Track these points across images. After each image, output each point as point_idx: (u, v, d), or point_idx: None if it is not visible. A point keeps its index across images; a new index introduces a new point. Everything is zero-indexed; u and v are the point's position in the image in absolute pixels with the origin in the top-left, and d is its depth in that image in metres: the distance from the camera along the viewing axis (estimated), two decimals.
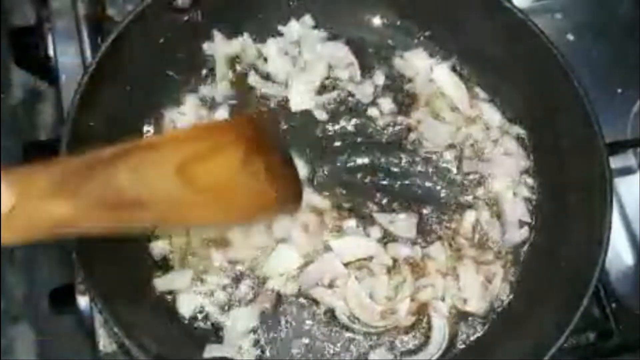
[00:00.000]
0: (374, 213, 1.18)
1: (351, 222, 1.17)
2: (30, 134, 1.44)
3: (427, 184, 1.22)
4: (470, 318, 1.15)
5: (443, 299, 1.14)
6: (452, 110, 1.26)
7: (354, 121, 1.24)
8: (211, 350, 1.09)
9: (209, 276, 1.13)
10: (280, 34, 1.27)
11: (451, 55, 1.28)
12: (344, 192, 1.19)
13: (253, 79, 1.24)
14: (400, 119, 1.25)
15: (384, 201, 1.20)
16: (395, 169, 1.22)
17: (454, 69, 1.28)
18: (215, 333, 1.11)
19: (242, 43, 1.25)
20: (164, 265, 1.14)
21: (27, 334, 1.34)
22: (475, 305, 1.14)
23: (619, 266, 1.29)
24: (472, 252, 1.17)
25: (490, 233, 1.19)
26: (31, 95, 1.46)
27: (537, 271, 1.16)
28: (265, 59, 1.26)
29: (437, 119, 1.25)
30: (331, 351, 1.12)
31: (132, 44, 1.13)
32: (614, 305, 1.24)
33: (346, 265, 1.13)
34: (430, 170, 1.23)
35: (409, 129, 1.24)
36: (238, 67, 1.26)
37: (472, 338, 1.14)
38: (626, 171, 1.34)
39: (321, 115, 1.24)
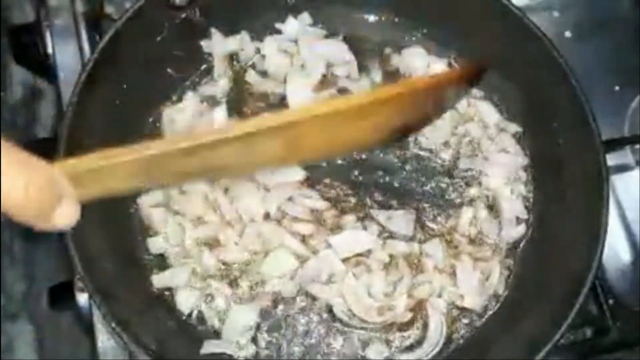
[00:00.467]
0: (371, 210, 1.18)
1: (350, 218, 1.17)
2: (29, 132, 1.44)
3: (425, 181, 1.22)
4: (467, 314, 1.15)
5: (440, 296, 1.15)
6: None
7: None
8: (209, 347, 1.09)
9: (207, 280, 1.13)
10: (278, 32, 1.28)
11: (448, 52, 1.29)
12: (342, 189, 1.20)
13: (251, 77, 1.25)
14: None
15: (382, 198, 1.20)
16: (393, 166, 1.22)
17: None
18: (214, 329, 1.11)
19: (240, 41, 1.25)
20: (162, 262, 1.14)
21: (26, 331, 1.34)
22: (472, 301, 1.14)
23: (616, 263, 1.29)
24: (470, 248, 1.17)
25: (488, 230, 1.19)
26: (30, 93, 1.46)
27: (534, 268, 1.17)
28: (263, 57, 1.26)
29: None
30: (329, 347, 1.12)
31: (129, 42, 1.13)
32: (611, 302, 1.24)
33: (344, 261, 1.14)
34: (428, 167, 1.23)
35: None
36: (236, 65, 1.26)
37: (469, 334, 1.14)
38: (623, 168, 1.35)
39: None
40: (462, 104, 1.26)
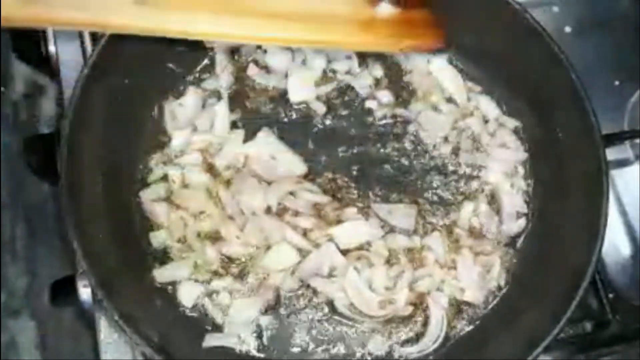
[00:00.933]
0: (372, 204, 1.19)
1: (351, 210, 1.17)
2: (31, 128, 1.44)
3: (425, 175, 1.23)
4: (467, 308, 1.16)
5: (441, 289, 1.15)
6: (449, 102, 1.27)
7: (352, 113, 1.26)
8: (211, 340, 1.09)
9: (209, 275, 1.14)
10: None
11: (449, 48, 1.28)
12: (343, 183, 1.20)
13: (252, 71, 1.25)
14: (398, 111, 1.26)
15: (383, 192, 1.20)
16: (394, 161, 1.23)
17: (451, 62, 1.29)
18: (216, 323, 1.12)
19: None
20: (164, 256, 1.14)
21: (29, 327, 1.34)
22: (473, 295, 1.15)
23: (616, 257, 1.29)
24: (470, 242, 1.18)
25: (488, 224, 1.20)
26: (32, 90, 1.46)
27: (534, 261, 1.17)
28: (265, 52, 1.26)
29: (434, 111, 1.26)
30: (331, 340, 1.13)
31: (131, 37, 1.13)
32: (611, 296, 1.25)
33: (345, 255, 1.14)
34: (428, 161, 1.23)
35: (407, 121, 1.25)
36: (238, 60, 1.27)
37: (469, 327, 1.15)
38: (623, 163, 1.35)
39: (320, 107, 1.24)
40: (462, 98, 1.27)
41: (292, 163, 1.19)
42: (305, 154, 1.21)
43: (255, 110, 1.24)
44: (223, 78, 1.24)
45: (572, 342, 1.22)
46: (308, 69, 1.26)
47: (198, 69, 1.25)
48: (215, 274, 1.14)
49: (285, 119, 1.24)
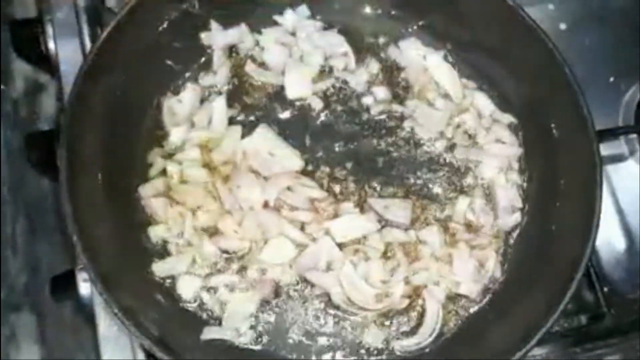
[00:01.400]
0: (368, 199, 1.19)
1: (347, 205, 1.18)
2: (31, 125, 1.45)
3: (421, 170, 1.24)
4: (463, 301, 1.16)
5: (437, 283, 1.16)
6: (444, 98, 1.27)
7: (348, 109, 1.26)
8: (209, 332, 1.10)
9: (208, 269, 1.15)
10: (277, 24, 1.29)
11: (444, 44, 1.30)
12: (340, 178, 1.21)
13: (250, 68, 1.26)
14: (394, 107, 1.26)
15: (379, 187, 1.21)
16: (390, 156, 1.24)
17: (446, 58, 1.30)
18: (214, 316, 1.13)
19: (239, 33, 1.27)
20: (163, 251, 1.15)
21: (29, 321, 1.35)
22: (468, 288, 1.16)
23: (611, 251, 1.30)
24: (466, 236, 1.19)
25: (483, 218, 1.20)
26: (32, 87, 1.47)
27: (528, 255, 1.18)
28: (262, 48, 1.27)
29: (430, 107, 1.26)
30: (327, 333, 1.13)
31: (130, 34, 1.14)
32: (605, 289, 1.26)
33: (342, 249, 1.15)
34: (424, 156, 1.24)
35: (403, 117, 1.26)
36: (235, 56, 1.28)
37: (464, 320, 1.16)
38: (618, 158, 1.36)
39: (317, 103, 1.25)
40: (457, 94, 1.27)
41: (289, 158, 1.20)
42: (302, 150, 1.22)
43: (253, 106, 1.25)
44: (221, 74, 1.25)
45: (567, 335, 1.23)
46: (305, 65, 1.26)
47: (196, 65, 1.26)
48: (214, 268, 1.15)
49: (283, 115, 1.25)
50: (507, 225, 1.21)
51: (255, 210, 1.15)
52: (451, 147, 1.25)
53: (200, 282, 1.13)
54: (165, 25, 1.19)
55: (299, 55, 1.27)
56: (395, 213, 1.18)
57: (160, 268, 1.13)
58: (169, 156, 1.20)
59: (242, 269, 1.15)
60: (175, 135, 1.20)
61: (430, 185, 1.23)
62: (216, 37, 1.25)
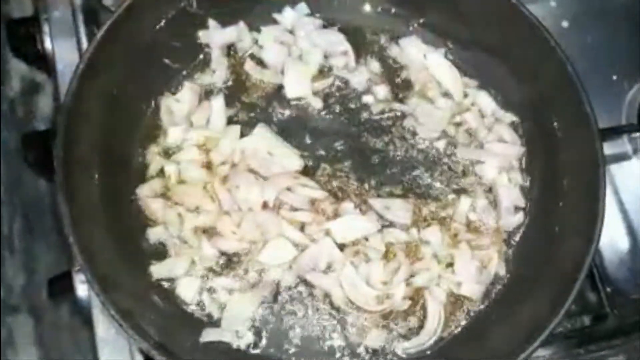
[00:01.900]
0: (369, 199, 1.18)
1: (348, 204, 1.17)
2: (28, 125, 1.44)
3: (422, 170, 1.23)
4: (465, 302, 1.16)
5: (438, 283, 1.15)
6: (445, 97, 1.27)
7: (349, 108, 1.26)
8: (208, 335, 1.09)
9: (207, 271, 1.14)
10: (276, 22, 1.28)
11: (445, 42, 1.29)
12: (340, 178, 1.20)
13: (249, 67, 1.25)
14: (395, 105, 1.26)
15: (379, 187, 1.20)
16: (391, 156, 1.23)
17: (447, 56, 1.29)
18: (213, 318, 1.12)
19: (238, 31, 1.26)
20: (161, 252, 1.14)
21: (26, 323, 1.34)
22: (470, 289, 1.15)
23: (614, 251, 1.30)
24: (468, 236, 1.18)
25: (486, 218, 1.20)
26: (29, 86, 1.46)
27: (531, 255, 1.17)
28: (261, 47, 1.26)
29: (431, 106, 1.26)
30: (327, 335, 1.13)
31: (127, 33, 1.14)
32: (608, 289, 1.25)
33: (342, 250, 1.14)
34: (425, 156, 1.24)
35: (404, 116, 1.25)
36: (234, 55, 1.27)
37: (467, 321, 1.15)
38: (621, 157, 1.36)
39: (316, 103, 1.24)
40: (458, 93, 1.26)
41: (288, 158, 1.19)
42: (302, 149, 1.21)
43: (252, 105, 1.24)
44: (219, 73, 1.24)
45: (570, 336, 1.23)
46: (304, 64, 1.25)
47: (194, 64, 1.25)
48: (212, 270, 1.14)
49: (282, 115, 1.24)
50: (510, 225, 1.20)
51: (254, 210, 1.14)
52: (453, 146, 1.24)
53: (199, 284, 1.12)
54: (162, 24, 1.19)
55: (298, 54, 1.26)
56: (396, 213, 1.17)
57: (158, 270, 1.12)
58: (167, 156, 1.19)
59: (241, 271, 1.14)
60: (173, 135, 1.19)
61: (432, 185, 1.22)
62: (214, 35, 1.24)
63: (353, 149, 1.23)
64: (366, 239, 1.16)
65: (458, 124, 1.26)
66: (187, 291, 1.12)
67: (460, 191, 1.22)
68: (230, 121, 1.22)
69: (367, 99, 1.26)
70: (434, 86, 1.27)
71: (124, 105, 1.17)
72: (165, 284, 1.13)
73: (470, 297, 1.15)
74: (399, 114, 1.25)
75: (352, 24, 1.29)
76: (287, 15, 1.28)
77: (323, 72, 1.27)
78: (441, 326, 1.13)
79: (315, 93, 1.25)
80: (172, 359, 1.00)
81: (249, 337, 1.11)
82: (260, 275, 1.14)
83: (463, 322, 1.15)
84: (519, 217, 1.20)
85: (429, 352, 1.13)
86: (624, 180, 1.33)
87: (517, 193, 1.21)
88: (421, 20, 1.29)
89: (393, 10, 1.30)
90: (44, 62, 1.31)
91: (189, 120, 1.21)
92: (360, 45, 1.29)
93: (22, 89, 1.46)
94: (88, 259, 1.01)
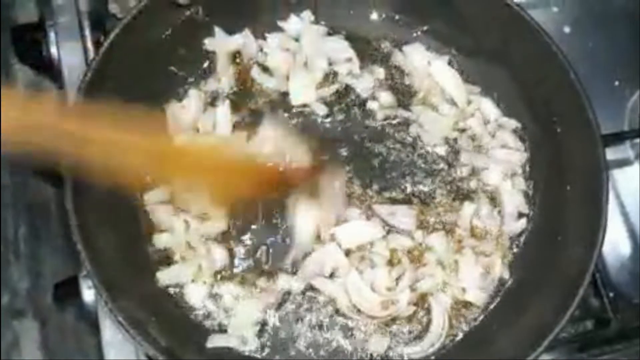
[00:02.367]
0: (373, 205, 1.19)
1: (354, 210, 1.18)
2: None
3: (426, 176, 1.23)
4: (469, 308, 1.16)
5: (443, 289, 1.16)
6: (449, 103, 1.27)
7: (353, 115, 1.26)
8: (215, 340, 1.10)
9: (214, 276, 1.15)
10: (281, 30, 1.28)
11: (449, 49, 1.30)
12: (345, 184, 1.21)
13: (254, 74, 1.26)
14: (399, 112, 1.26)
15: (384, 193, 1.21)
16: (395, 162, 1.24)
17: (451, 63, 1.29)
18: (220, 324, 1.13)
19: (243, 38, 1.26)
20: (168, 258, 1.15)
21: (32, 327, 1.34)
22: (474, 295, 1.15)
23: (617, 256, 1.30)
24: (472, 242, 1.18)
25: (490, 224, 1.20)
26: (34, 92, 1.47)
27: (534, 261, 1.18)
28: (266, 54, 1.27)
29: (435, 113, 1.26)
30: (332, 341, 1.13)
31: (134, 40, 1.14)
32: (611, 294, 1.25)
33: (347, 256, 1.15)
34: (429, 162, 1.24)
35: (408, 122, 1.26)
36: (239, 62, 1.27)
37: (471, 327, 1.15)
38: (623, 163, 1.36)
39: (321, 109, 1.25)
40: (462, 100, 1.27)
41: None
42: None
43: (257, 111, 1.24)
44: (224, 80, 1.24)
45: (573, 341, 1.23)
46: (309, 71, 1.26)
47: (200, 71, 1.26)
48: (220, 275, 1.14)
49: (287, 121, 1.24)
50: (513, 231, 1.21)
51: None
52: (456, 153, 1.25)
53: (207, 289, 1.13)
54: (169, 32, 1.19)
55: (303, 61, 1.27)
56: (401, 219, 1.18)
57: (165, 276, 1.13)
58: None
59: (248, 276, 1.15)
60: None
61: (435, 191, 1.22)
62: (220, 43, 1.25)
63: (357, 155, 1.23)
64: (371, 245, 1.16)
65: (462, 130, 1.26)
66: (195, 296, 1.13)
67: (463, 197, 1.22)
68: (236, 127, 1.22)
69: (372, 105, 1.26)
70: (437, 93, 1.27)
71: (131, 112, 1.17)
72: (172, 290, 1.13)
73: (474, 303, 1.16)
74: (403, 120, 1.26)
75: (356, 31, 1.30)
76: (292, 23, 1.28)
77: (328, 78, 1.27)
78: (445, 332, 1.14)
79: (320, 99, 1.25)
80: None
81: (255, 343, 1.11)
82: (267, 282, 1.14)
83: (467, 328, 1.15)
84: (522, 222, 1.21)
85: (432, 358, 1.13)
86: (626, 185, 1.34)
87: (520, 199, 1.22)
88: (425, 28, 1.30)
89: (397, 18, 1.30)
90: (49, 68, 1.31)
91: (195, 126, 1.21)
92: (365, 52, 1.29)
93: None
94: (95, 265, 1.01)
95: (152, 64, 1.18)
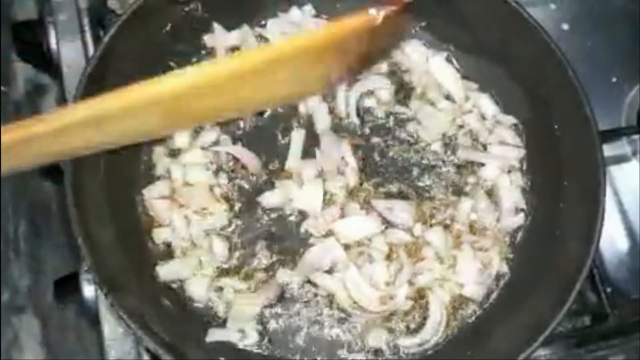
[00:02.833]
0: (371, 200, 1.19)
1: (353, 205, 1.18)
2: None
3: (424, 171, 1.24)
4: (467, 303, 1.17)
5: (441, 284, 1.16)
6: (447, 100, 1.28)
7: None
8: (214, 335, 1.10)
9: (215, 271, 1.15)
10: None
11: (447, 45, 1.30)
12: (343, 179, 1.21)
13: None
14: (397, 108, 1.27)
15: (382, 188, 1.21)
16: (393, 158, 1.24)
17: (449, 60, 1.30)
18: (219, 318, 1.13)
19: (242, 34, 1.26)
20: (168, 253, 1.15)
21: (32, 324, 1.35)
22: (472, 290, 1.16)
23: (615, 252, 1.31)
24: (470, 237, 1.19)
25: (487, 220, 1.21)
26: (34, 89, 1.47)
27: (532, 256, 1.18)
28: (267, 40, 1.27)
29: (433, 109, 1.26)
30: (331, 335, 1.14)
31: (133, 37, 1.14)
32: (609, 290, 1.26)
33: (346, 250, 1.15)
34: (427, 158, 1.24)
35: (406, 118, 1.26)
36: None
37: (468, 321, 1.16)
38: (621, 159, 1.37)
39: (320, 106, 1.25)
40: (459, 96, 1.28)
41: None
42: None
43: None
44: None
45: (571, 336, 1.24)
46: None
47: None
48: (220, 269, 1.15)
49: (285, 116, 1.25)
50: (511, 226, 1.21)
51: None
52: (454, 149, 1.25)
53: (206, 283, 1.13)
54: (168, 28, 1.19)
55: None
56: (399, 214, 1.18)
57: (165, 271, 1.13)
58: (173, 157, 1.20)
59: (247, 271, 1.15)
60: (179, 140, 1.20)
61: (434, 187, 1.23)
62: (219, 39, 1.25)
63: (356, 151, 1.23)
64: (369, 240, 1.17)
65: (460, 127, 1.26)
66: (195, 290, 1.13)
67: (461, 193, 1.23)
68: None
69: (370, 101, 1.27)
70: (435, 89, 1.28)
71: None
72: (173, 284, 1.14)
73: (472, 298, 1.16)
74: (401, 116, 1.26)
75: None
76: (294, 16, 1.28)
77: None
78: (443, 326, 1.14)
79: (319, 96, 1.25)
80: (181, 359, 1.00)
81: (255, 337, 1.12)
82: (266, 276, 1.15)
83: (464, 323, 1.16)
84: (520, 218, 1.21)
85: (430, 352, 1.14)
86: (624, 181, 1.34)
87: (518, 194, 1.22)
88: (423, 24, 1.30)
89: None
90: (49, 65, 1.31)
91: None
92: None
93: (28, 91, 1.47)
94: (96, 260, 1.01)
95: (151, 60, 1.18)
